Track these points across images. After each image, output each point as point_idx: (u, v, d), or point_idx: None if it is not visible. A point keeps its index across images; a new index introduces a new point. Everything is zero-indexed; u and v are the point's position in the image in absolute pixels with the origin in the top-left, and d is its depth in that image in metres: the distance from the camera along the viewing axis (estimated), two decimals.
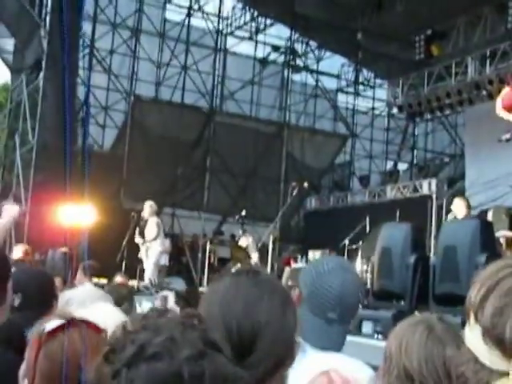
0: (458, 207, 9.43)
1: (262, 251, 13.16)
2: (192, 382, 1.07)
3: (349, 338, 2.77)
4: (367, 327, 7.14)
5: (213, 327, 1.58)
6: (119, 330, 1.18)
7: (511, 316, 1.15)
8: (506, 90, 9.60)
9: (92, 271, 8.37)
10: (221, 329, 1.57)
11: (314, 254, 14.69)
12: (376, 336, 7.29)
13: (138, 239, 12.61)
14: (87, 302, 2.60)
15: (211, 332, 1.29)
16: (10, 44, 20.34)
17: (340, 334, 2.68)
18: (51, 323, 1.67)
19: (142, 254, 12.70)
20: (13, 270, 3.02)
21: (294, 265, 15.34)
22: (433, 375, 2.09)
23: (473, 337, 1.21)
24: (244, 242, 14.15)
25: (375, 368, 2.76)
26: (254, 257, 12.51)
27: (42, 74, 17.07)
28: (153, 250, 12.51)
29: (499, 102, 9.04)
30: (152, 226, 12.57)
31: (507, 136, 9.15)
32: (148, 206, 12.76)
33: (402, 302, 7.69)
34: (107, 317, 1.97)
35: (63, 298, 2.64)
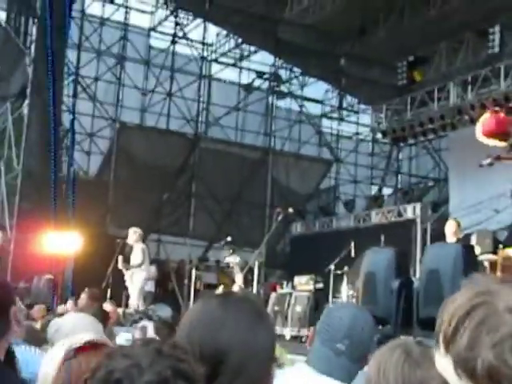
0: (450, 229, 9.45)
1: (247, 276, 13.15)
2: None
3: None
4: None
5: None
6: (104, 355, 1.21)
7: (482, 350, 1.12)
8: (486, 115, 9.73)
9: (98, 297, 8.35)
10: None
11: (299, 280, 14.67)
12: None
13: (121, 265, 12.55)
14: (76, 330, 2.61)
15: (187, 362, 1.31)
16: None
17: (348, 368, 2.67)
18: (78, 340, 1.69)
19: (127, 281, 12.65)
20: None
21: (279, 290, 15.31)
22: None
23: (444, 365, 1.22)
24: (231, 260, 14.16)
25: None
26: (239, 279, 12.46)
27: (26, 102, 17.08)
28: (138, 277, 12.46)
29: (479, 127, 9.16)
30: (137, 252, 12.53)
31: (487, 161, 9.26)
32: (132, 233, 12.72)
33: (387, 327, 7.72)
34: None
35: (52, 326, 2.66)
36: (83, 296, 8.57)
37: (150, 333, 11.40)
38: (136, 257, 12.50)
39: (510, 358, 1.11)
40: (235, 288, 11.20)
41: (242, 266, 12.99)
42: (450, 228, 9.50)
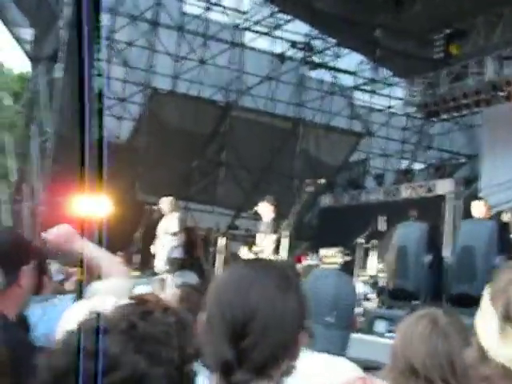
0: (477, 209, 9.35)
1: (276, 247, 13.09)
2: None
3: (361, 336, 2.76)
4: (380, 326, 7.12)
5: (212, 314, 1.63)
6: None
7: None
8: None
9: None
10: (217, 315, 1.60)
11: (326, 252, 14.65)
12: (388, 335, 7.28)
13: (159, 232, 12.57)
14: (116, 294, 2.59)
15: (207, 317, 1.29)
16: (29, 34, 20.41)
17: (339, 337, 2.66)
18: None
19: (155, 247, 12.69)
20: None
21: (305, 262, 15.32)
22: (437, 369, 2.08)
23: (486, 330, 1.18)
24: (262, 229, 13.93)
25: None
26: (268, 248, 12.20)
27: (59, 65, 17.11)
28: (168, 244, 12.50)
29: None
30: (174, 221, 12.54)
31: None
32: (169, 203, 12.71)
33: (417, 302, 7.67)
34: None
35: (90, 288, 2.64)
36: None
37: (169, 286, 11.48)
38: (171, 225, 12.50)
39: None
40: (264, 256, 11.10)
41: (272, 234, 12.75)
42: (477, 209, 9.37)
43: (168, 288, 11.33)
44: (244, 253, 11.66)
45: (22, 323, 2.65)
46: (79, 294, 2.55)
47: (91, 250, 2.76)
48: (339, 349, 2.63)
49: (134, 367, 1.15)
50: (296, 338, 1.64)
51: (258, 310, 1.58)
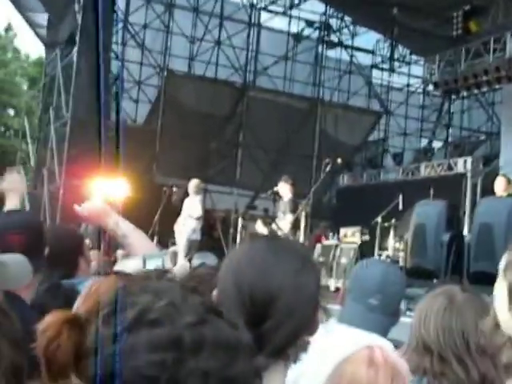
0: (499, 185, 9.26)
1: (295, 225, 13.06)
2: (193, 348, 1.06)
3: None
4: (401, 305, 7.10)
5: (227, 294, 1.57)
6: (119, 291, 1.16)
7: None
8: None
9: None
10: (234, 295, 1.55)
11: (345, 231, 14.61)
12: (408, 313, 7.26)
13: (183, 213, 12.65)
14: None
15: (221, 297, 1.26)
16: (44, 19, 20.45)
17: (382, 323, 2.65)
18: None
19: (176, 229, 12.74)
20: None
21: (325, 242, 15.30)
22: (451, 346, 2.06)
23: (500, 302, 1.15)
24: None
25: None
26: (286, 226, 12.10)
27: (75, 49, 17.11)
28: (188, 226, 12.54)
29: None
30: (197, 204, 12.60)
31: None
32: (195, 185, 12.76)
33: (436, 280, 7.63)
34: None
35: (116, 267, 2.66)
36: None
37: (180, 258, 11.51)
38: (195, 208, 12.56)
39: None
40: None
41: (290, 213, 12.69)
42: (499, 184, 9.29)
43: (179, 261, 11.40)
44: (260, 228, 11.65)
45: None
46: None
47: (123, 227, 2.78)
48: (380, 333, 2.61)
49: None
50: (314, 317, 1.62)
51: (281, 293, 1.54)
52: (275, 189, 12.37)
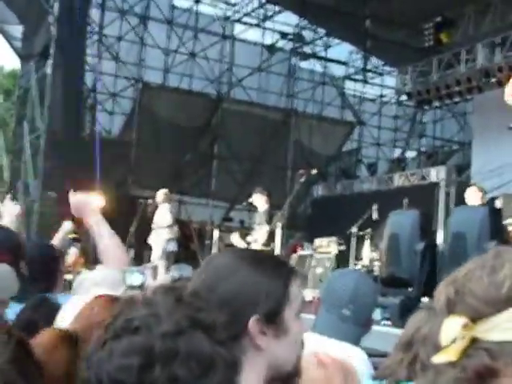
0: (471, 196, 9.39)
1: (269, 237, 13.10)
2: (163, 358, 1.09)
3: None
4: (376, 314, 7.15)
5: None
6: (123, 304, 1.20)
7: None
8: None
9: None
10: None
11: (320, 242, 14.67)
12: (383, 323, 7.32)
13: (154, 226, 12.63)
14: (102, 284, 2.61)
15: (206, 311, 1.28)
16: (18, 31, 20.33)
17: (354, 333, 2.70)
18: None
19: (151, 241, 12.73)
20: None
21: (300, 252, 15.34)
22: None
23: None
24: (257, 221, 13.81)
25: (383, 355, 2.78)
26: (261, 239, 12.12)
27: (50, 61, 17.07)
28: (162, 237, 12.53)
29: (508, 88, 8.99)
30: (165, 213, 12.58)
31: None
32: (162, 194, 12.78)
33: (410, 289, 7.70)
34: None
35: (78, 279, 2.68)
36: None
37: (161, 272, 11.44)
38: (164, 217, 12.55)
39: None
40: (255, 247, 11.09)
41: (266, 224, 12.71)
42: (471, 194, 9.40)
43: (160, 275, 11.38)
44: (236, 240, 11.67)
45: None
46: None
47: (102, 228, 2.86)
48: (352, 342, 2.66)
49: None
50: (246, 323, 1.54)
51: (235, 296, 1.53)
52: (250, 200, 12.41)
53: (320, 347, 2.29)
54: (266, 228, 11.32)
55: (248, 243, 11.26)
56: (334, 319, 2.67)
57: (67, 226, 5.09)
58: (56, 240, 4.94)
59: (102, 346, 1.13)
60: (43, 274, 3.23)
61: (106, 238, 2.87)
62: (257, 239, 11.31)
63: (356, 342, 2.71)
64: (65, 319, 1.99)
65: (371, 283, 3.06)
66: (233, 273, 1.58)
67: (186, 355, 1.10)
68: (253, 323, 1.52)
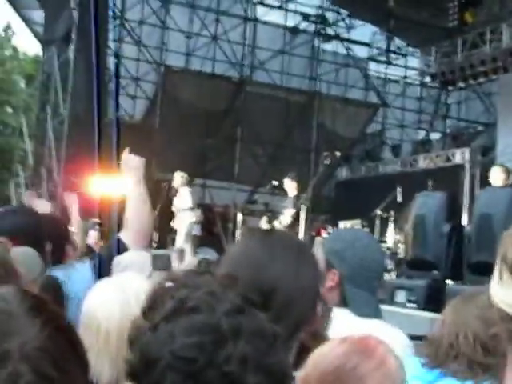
0: (495, 176, 9.27)
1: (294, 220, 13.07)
2: (231, 335, 1.09)
3: (382, 307, 2.76)
4: (400, 296, 7.12)
5: None
6: (158, 287, 1.19)
7: None
8: None
9: None
10: None
11: (344, 224, 14.63)
12: (409, 305, 7.28)
13: (175, 209, 12.69)
14: (145, 267, 2.64)
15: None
16: (39, 16, 20.42)
17: (377, 303, 2.69)
18: None
19: (175, 224, 12.77)
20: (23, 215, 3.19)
21: (324, 235, 15.31)
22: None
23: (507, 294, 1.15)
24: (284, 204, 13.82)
25: (409, 337, 2.75)
26: (286, 222, 12.15)
27: (72, 46, 17.09)
28: (186, 220, 12.56)
29: None
30: (186, 196, 12.61)
31: None
32: (179, 177, 12.79)
33: (436, 271, 7.64)
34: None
35: (118, 264, 2.68)
36: None
37: (188, 255, 11.50)
38: (184, 200, 12.58)
39: None
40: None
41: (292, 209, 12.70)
42: (495, 174, 9.28)
43: (186, 259, 11.43)
44: (264, 225, 11.73)
45: (52, 284, 2.72)
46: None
47: (138, 189, 3.18)
48: (380, 312, 2.66)
49: None
50: (315, 310, 1.64)
51: (277, 286, 1.56)
52: (275, 183, 12.41)
53: (364, 329, 2.26)
54: (291, 211, 11.36)
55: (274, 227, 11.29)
56: (367, 295, 2.62)
57: (73, 199, 5.16)
58: (73, 219, 4.98)
59: (152, 329, 1.11)
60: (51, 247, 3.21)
61: (135, 203, 2.96)
62: (282, 222, 11.35)
63: (379, 311, 2.70)
64: (93, 302, 1.98)
65: (379, 245, 3.03)
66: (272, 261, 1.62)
67: (251, 333, 1.11)
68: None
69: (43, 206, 4.88)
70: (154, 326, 1.11)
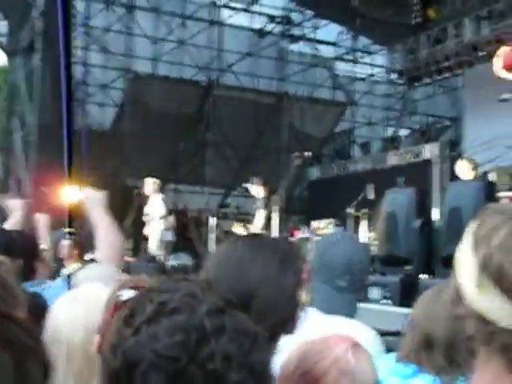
0: (462, 169, 9.40)
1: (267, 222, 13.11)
2: (213, 333, 1.10)
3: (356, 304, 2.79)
4: (374, 293, 7.16)
5: None
6: (139, 294, 1.20)
7: None
8: (504, 49, 9.57)
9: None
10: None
11: (318, 224, 14.69)
12: (383, 301, 7.34)
13: (146, 217, 12.59)
14: (103, 280, 2.63)
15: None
16: (3, 26, 20.21)
17: (351, 301, 2.70)
18: (127, 292, 1.68)
19: (147, 231, 12.71)
20: None
21: (298, 235, 15.36)
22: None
23: (465, 274, 1.17)
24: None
25: (382, 333, 2.78)
26: (259, 224, 12.24)
27: (37, 56, 16.97)
28: (157, 227, 12.50)
29: (498, 61, 8.98)
30: (158, 203, 12.53)
31: (508, 95, 9.10)
32: (151, 183, 12.71)
33: (409, 267, 7.71)
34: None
35: (77, 277, 2.67)
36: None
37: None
38: (157, 207, 12.50)
39: None
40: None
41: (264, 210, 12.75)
42: (462, 168, 9.40)
43: None
44: (239, 230, 11.72)
45: (37, 300, 2.71)
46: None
47: (102, 219, 3.12)
48: (351, 312, 2.67)
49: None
50: (294, 315, 1.66)
51: (259, 289, 1.59)
52: (246, 185, 12.43)
53: (331, 328, 2.28)
54: (263, 213, 11.38)
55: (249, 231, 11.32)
56: (331, 291, 2.66)
57: (43, 219, 5.13)
58: (42, 237, 4.94)
59: (134, 332, 1.11)
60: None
61: (105, 228, 2.94)
62: (255, 224, 11.38)
63: (353, 310, 2.72)
64: (58, 315, 1.97)
65: (364, 249, 3.04)
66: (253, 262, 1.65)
67: (234, 331, 1.11)
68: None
69: (15, 204, 4.81)
70: (136, 329, 1.11)
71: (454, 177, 11.71)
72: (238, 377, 1.09)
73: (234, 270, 1.62)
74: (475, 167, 9.39)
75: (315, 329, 1.91)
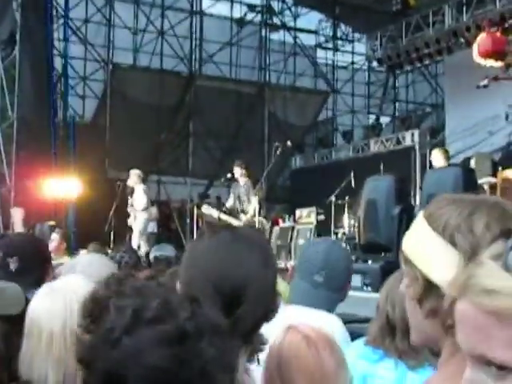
0: (436, 158, 9.51)
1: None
2: (196, 339, 1.12)
3: None
4: (356, 280, 7.21)
5: (195, 285, 1.63)
6: (90, 300, 1.17)
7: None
8: (482, 35, 9.62)
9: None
10: (203, 286, 1.60)
11: (300, 213, 14.74)
12: (364, 288, 7.40)
13: (130, 208, 12.57)
14: (91, 268, 2.66)
15: (186, 288, 1.31)
16: None
17: (327, 298, 2.73)
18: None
19: (131, 222, 12.69)
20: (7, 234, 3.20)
21: (282, 224, 15.40)
22: None
23: (437, 264, 1.21)
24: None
25: (365, 320, 2.82)
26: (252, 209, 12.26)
27: (16, 48, 16.85)
28: (140, 218, 12.49)
29: (476, 48, 9.05)
30: (140, 194, 12.50)
31: (485, 82, 9.17)
32: (133, 175, 12.68)
33: (390, 254, 7.77)
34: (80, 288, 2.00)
35: (65, 265, 2.69)
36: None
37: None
38: (139, 199, 12.48)
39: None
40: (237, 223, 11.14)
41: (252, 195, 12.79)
42: (435, 157, 9.52)
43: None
44: (214, 214, 11.75)
45: None
46: None
47: None
48: (325, 308, 2.70)
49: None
50: (274, 304, 1.71)
51: (250, 281, 1.62)
52: (229, 175, 12.45)
53: (297, 317, 2.33)
54: (255, 200, 11.45)
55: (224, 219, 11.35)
56: (307, 286, 2.70)
57: (19, 213, 5.13)
58: (18, 229, 4.96)
59: (113, 345, 1.10)
60: (34, 268, 3.22)
61: None
62: (248, 211, 11.45)
63: (330, 307, 2.75)
64: (38, 308, 2.00)
65: (343, 249, 3.11)
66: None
67: (211, 333, 1.13)
68: None
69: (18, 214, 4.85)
70: (115, 341, 1.10)
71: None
72: (223, 376, 1.12)
73: (223, 263, 1.65)
74: (447, 156, 9.49)
75: (282, 319, 1.95)
